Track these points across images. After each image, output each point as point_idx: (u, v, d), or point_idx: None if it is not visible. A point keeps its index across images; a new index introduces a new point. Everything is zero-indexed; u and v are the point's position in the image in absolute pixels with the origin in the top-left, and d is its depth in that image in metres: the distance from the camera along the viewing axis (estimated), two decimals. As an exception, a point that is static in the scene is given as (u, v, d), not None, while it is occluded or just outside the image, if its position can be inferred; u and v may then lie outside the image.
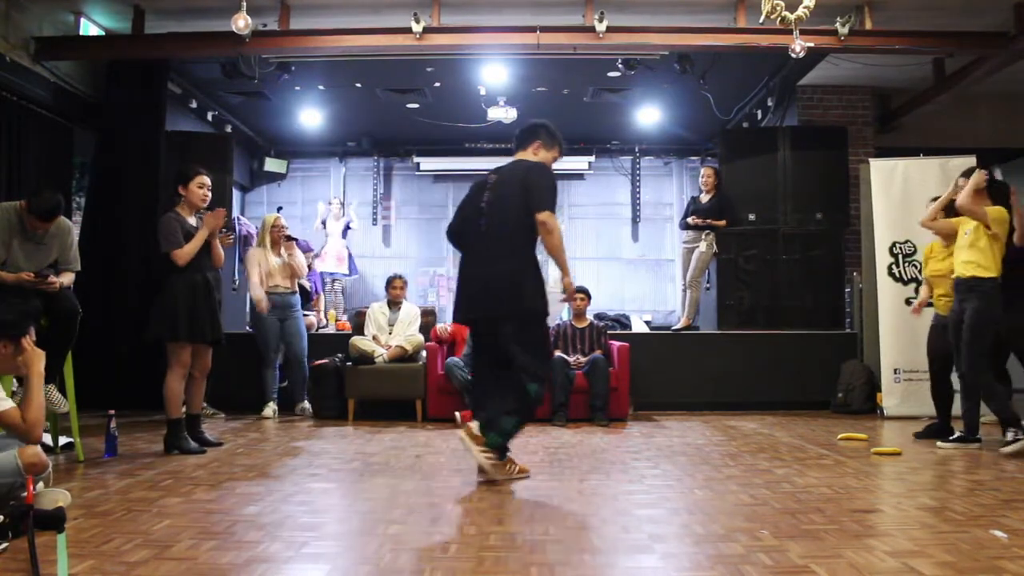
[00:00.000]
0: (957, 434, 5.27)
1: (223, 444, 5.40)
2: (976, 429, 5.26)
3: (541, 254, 4.33)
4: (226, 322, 5.67)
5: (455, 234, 4.54)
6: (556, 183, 4.28)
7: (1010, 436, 5.13)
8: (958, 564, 2.70)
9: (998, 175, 6.07)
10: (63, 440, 5.04)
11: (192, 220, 5.22)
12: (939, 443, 5.27)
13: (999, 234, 5.22)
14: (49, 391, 4.60)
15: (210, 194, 5.32)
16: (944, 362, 5.72)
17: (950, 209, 5.59)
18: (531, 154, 4.42)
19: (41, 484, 3.35)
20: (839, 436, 5.77)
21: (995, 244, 5.22)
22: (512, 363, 4.17)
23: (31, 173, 6.67)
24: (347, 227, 10.61)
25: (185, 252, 5.06)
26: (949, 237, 5.61)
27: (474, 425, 4.18)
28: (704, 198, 8.35)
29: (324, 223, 10.51)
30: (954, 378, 5.65)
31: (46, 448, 4.64)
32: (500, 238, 4.25)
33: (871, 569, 2.65)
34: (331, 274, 10.24)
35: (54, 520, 2.98)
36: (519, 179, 4.27)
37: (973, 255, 5.24)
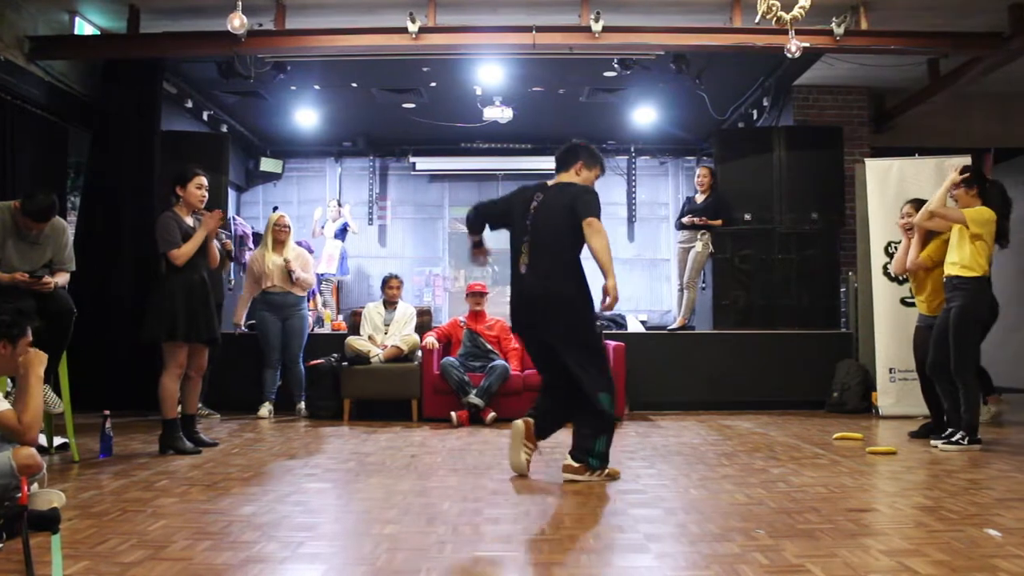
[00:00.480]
0: (958, 436, 5.28)
1: (218, 444, 5.40)
2: (975, 430, 5.27)
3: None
4: (223, 322, 5.67)
5: (479, 219, 4.64)
6: (598, 199, 4.35)
7: (958, 437, 5.22)
8: (953, 563, 2.70)
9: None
10: (58, 440, 5.03)
11: (190, 220, 5.22)
12: (940, 444, 5.27)
13: (982, 234, 5.22)
14: (44, 391, 4.59)
15: (207, 195, 5.34)
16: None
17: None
18: (574, 175, 4.45)
19: (35, 485, 3.34)
20: (834, 436, 5.77)
21: (978, 244, 5.22)
22: (576, 381, 4.23)
23: (26, 173, 6.65)
24: (344, 228, 10.60)
25: (183, 252, 5.06)
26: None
27: (568, 460, 4.25)
28: (700, 198, 8.35)
29: (324, 227, 10.51)
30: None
31: (40, 449, 4.62)
32: (554, 256, 4.30)
33: (866, 568, 2.65)
34: (320, 275, 10.23)
35: (48, 521, 2.97)
36: (567, 203, 4.29)
37: (957, 255, 5.27)
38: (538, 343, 4.43)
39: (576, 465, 4.19)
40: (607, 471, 4.26)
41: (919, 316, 5.94)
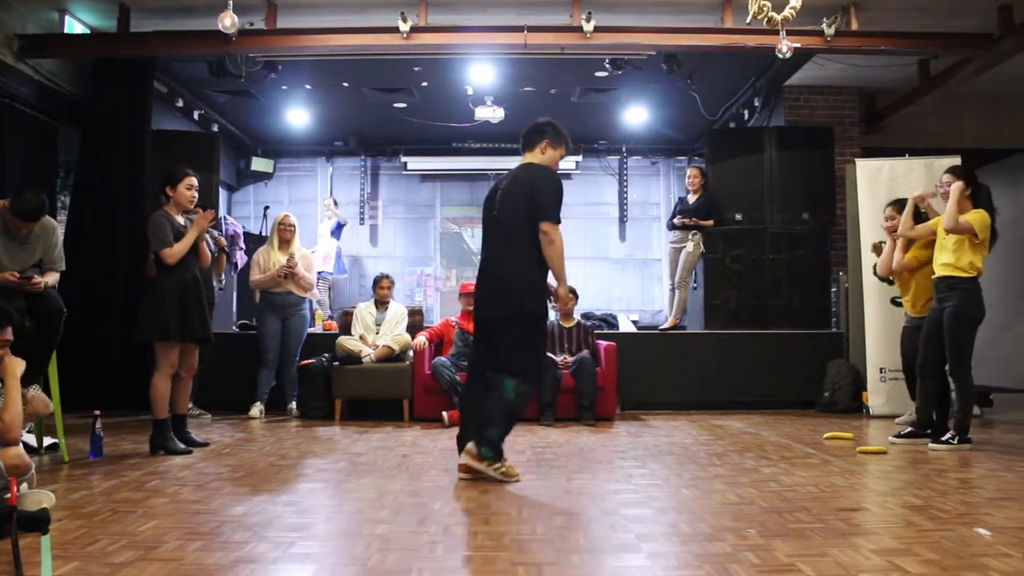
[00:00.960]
0: (949, 435, 5.30)
1: (209, 444, 5.38)
2: (967, 430, 5.29)
3: None
4: (214, 322, 5.65)
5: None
6: (562, 190, 4.30)
7: (948, 436, 5.26)
8: (943, 562, 2.71)
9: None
10: (47, 441, 5.00)
11: (180, 219, 5.21)
12: (930, 444, 5.29)
13: (985, 240, 5.26)
14: (34, 392, 4.57)
15: (197, 195, 5.33)
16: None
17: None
18: (539, 153, 4.43)
19: (25, 485, 3.33)
20: (825, 435, 5.79)
21: (978, 248, 5.26)
22: (498, 361, 4.19)
23: (15, 172, 6.62)
24: (339, 226, 10.59)
25: (175, 252, 5.05)
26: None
27: (471, 447, 4.19)
28: (691, 198, 8.37)
29: (320, 225, 10.51)
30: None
31: (30, 449, 4.62)
32: (508, 241, 4.30)
33: (857, 567, 2.66)
34: (318, 273, 10.20)
35: (38, 521, 2.96)
36: (527, 184, 4.29)
37: (953, 257, 5.29)
38: (485, 332, 4.40)
39: (474, 451, 4.15)
40: (503, 467, 4.17)
41: (907, 317, 5.99)
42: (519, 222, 4.26)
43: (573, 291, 7.35)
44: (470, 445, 4.19)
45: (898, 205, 5.91)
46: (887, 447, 5.31)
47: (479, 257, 4.54)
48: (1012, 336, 8.41)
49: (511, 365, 4.18)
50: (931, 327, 5.43)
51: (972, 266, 5.25)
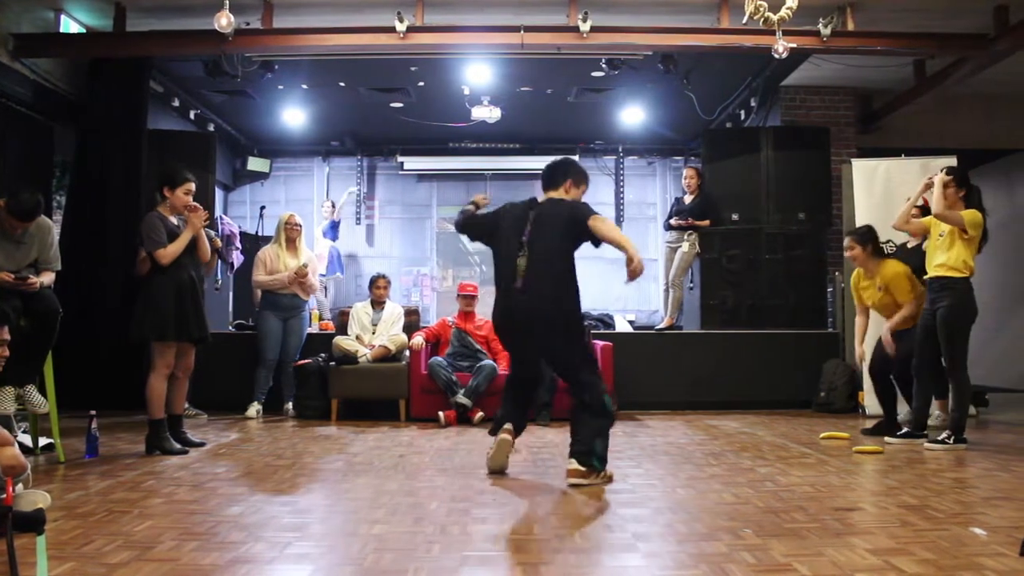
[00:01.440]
0: (943, 435, 5.30)
1: (205, 444, 5.37)
2: (962, 430, 5.30)
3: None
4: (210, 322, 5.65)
5: (466, 228, 4.74)
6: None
7: (944, 436, 5.27)
8: (938, 561, 2.72)
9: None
10: (43, 441, 5.00)
11: (174, 220, 5.21)
12: (926, 444, 5.30)
13: (975, 237, 5.27)
14: (29, 392, 4.57)
15: (193, 201, 5.32)
16: (884, 365, 5.93)
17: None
18: (563, 192, 4.49)
19: (20, 486, 3.32)
20: (821, 435, 5.79)
21: (969, 246, 5.27)
22: (579, 384, 4.30)
23: (11, 172, 6.61)
24: (332, 225, 10.57)
25: (168, 252, 5.05)
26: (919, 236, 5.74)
27: (573, 464, 4.20)
28: (687, 199, 8.38)
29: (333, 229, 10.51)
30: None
31: (25, 449, 4.60)
32: (548, 272, 4.32)
33: (853, 567, 2.67)
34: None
35: (33, 522, 2.95)
36: (564, 218, 4.34)
37: (946, 257, 5.31)
38: (529, 348, 4.47)
39: (582, 469, 4.16)
40: (605, 473, 4.25)
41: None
42: (562, 253, 4.34)
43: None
44: (574, 465, 4.17)
45: (856, 235, 5.98)
46: (883, 447, 5.31)
47: (495, 274, 4.55)
48: (1007, 336, 8.43)
49: (601, 385, 4.31)
50: (925, 329, 5.45)
51: (966, 265, 5.26)
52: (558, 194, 4.49)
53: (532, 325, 4.33)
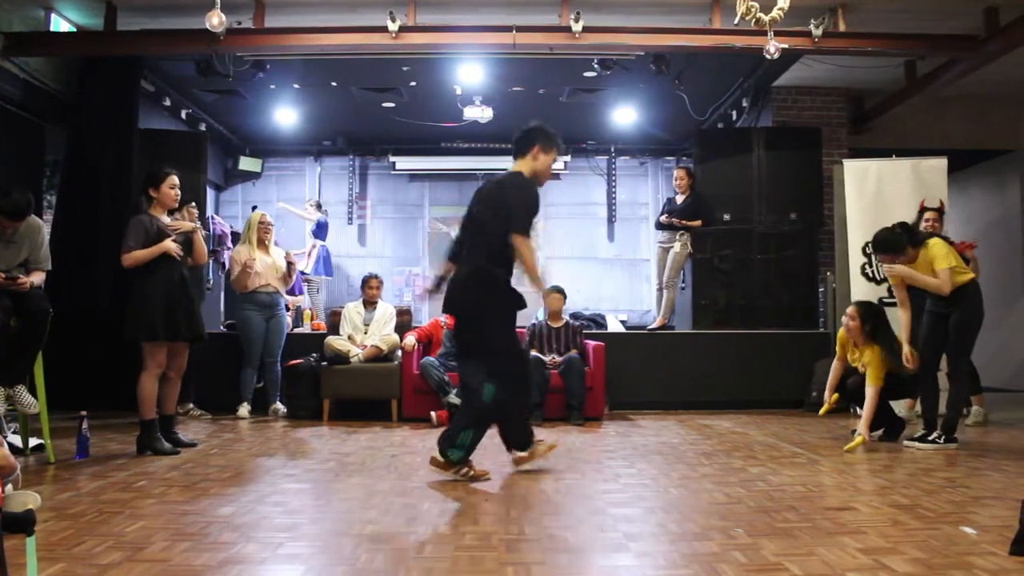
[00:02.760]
0: (935, 435, 5.32)
1: (197, 444, 5.36)
2: (954, 430, 5.31)
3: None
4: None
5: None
6: (536, 204, 4.31)
7: (933, 436, 5.28)
8: (929, 560, 2.73)
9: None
10: (33, 442, 4.97)
11: (166, 219, 5.23)
12: (918, 445, 5.31)
13: (955, 265, 5.25)
14: (19, 392, 4.55)
15: (180, 193, 5.35)
16: (858, 389, 5.82)
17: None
18: (531, 160, 4.43)
19: (10, 486, 3.30)
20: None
21: (947, 261, 5.25)
22: (476, 362, 4.26)
23: (1, 171, 6.58)
24: (319, 225, 10.53)
25: (133, 256, 5.05)
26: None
27: (434, 452, 4.24)
28: (679, 199, 8.40)
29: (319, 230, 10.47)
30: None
31: (15, 450, 4.59)
32: (476, 244, 4.32)
33: (844, 566, 2.67)
34: (301, 273, 10.18)
35: (23, 523, 2.92)
36: (506, 193, 4.32)
37: (941, 277, 5.28)
38: (459, 324, 4.48)
39: (440, 460, 4.18)
40: (471, 471, 4.21)
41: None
42: (489, 225, 4.28)
43: (562, 291, 7.36)
44: (435, 454, 4.22)
45: (862, 307, 5.81)
46: (864, 436, 5.30)
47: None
48: (998, 336, 8.46)
49: (485, 367, 4.22)
50: (930, 330, 5.44)
51: (962, 271, 5.28)
52: (525, 163, 4.42)
53: (456, 297, 4.34)
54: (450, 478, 4.18)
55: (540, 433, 6.01)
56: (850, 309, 5.88)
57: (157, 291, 5.05)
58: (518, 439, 4.47)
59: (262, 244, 7.11)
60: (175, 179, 5.28)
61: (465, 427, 4.21)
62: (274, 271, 7.05)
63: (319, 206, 10.87)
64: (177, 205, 5.31)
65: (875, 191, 7.30)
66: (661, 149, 12.03)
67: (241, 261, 6.99)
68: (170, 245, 5.13)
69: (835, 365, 5.95)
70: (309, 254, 10.24)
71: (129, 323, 5.06)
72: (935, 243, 5.41)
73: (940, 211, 6.67)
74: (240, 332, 7.02)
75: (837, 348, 5.98)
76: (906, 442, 5.44)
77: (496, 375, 4.25)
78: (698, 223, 8.13)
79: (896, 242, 5.37)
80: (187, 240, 5.33)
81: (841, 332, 5.93)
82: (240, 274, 6.92)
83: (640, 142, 11.71)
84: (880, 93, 8.78)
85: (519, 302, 4.36)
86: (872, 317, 5.68)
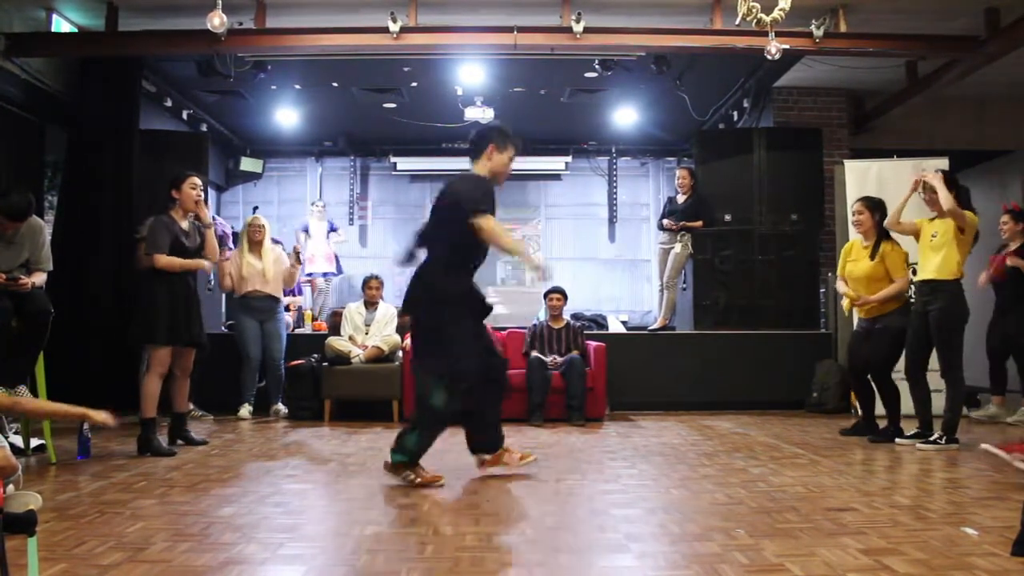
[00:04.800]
0: (936, 435, 5.33)
1: (208, 443, 5.42)
2: (955, 430, 5.31)
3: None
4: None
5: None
6: (488, 188, 4.21)
7: (935, 437, 5.29)
8: (930, 561, 2.73)
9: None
10: (35, 442, 4.98)
11: (184, 224, 5.31)
12: (918, 444, 5.32)
13: (968, 239, 5.30)
14: (21, 393, 4.55)
15: (202, 194, 5.44)
16: (865, 366, 5.89)
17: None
18: (485, 160, 4.30)
19: (11, 487, 3.31)
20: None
21: (962, 248, 5.30)
22: (429, 363, 4.18)
23: (2, 172, 6.58)
24: (331, 228, 10.55)
25: (165, 262, 5.15)
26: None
27: (387, 456, 4.21)
28: (680, 199, 8.40)
29: (307, 229, 10.44)
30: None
31: (16, 450, 4.59)
32: (434, 245, 4.26)
33: (845, 567, 2.67)
34: (323, 274, 10.22)
35: (25, 523, 2.92)
36: (454, 192, 4.23)
37: (939, 258, 5.33)
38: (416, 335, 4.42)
39: (389, 462, 4.12)
40: (420, 476, 4.08)
41: (856, 321, 6.01)
42: (440, 231, 4.21)
43: (563, 292, 7.36)
44: (387, 457, 4.18)
45: (867, 201, 5.94)
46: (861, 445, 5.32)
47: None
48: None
49: (436, 370, 4.11)
50: (916, 330, 5.46)
51: (958, 266, 5.31)
52: (481, 165, 4.30)
53: (408, 298, 4.29)
54: (400, 483, 4.05)
55: (541, 434, 6.05)
56: (856, 204, 5.98)
57: (163, 296, 5.11)
58: (483, 442, 4.38)
59: (256, 246, 7.10)
60: (196, 180, 5.37)
61: (411, 430, 4.10)
62: (263, 276, 7.02)
63: (324, 207, 10.89)
64: (197, 207, 5.37)
65: (876, 192, 7.24)
66: (662, 150, 12.04)
67: (230, 272, 7.04)
68: (204, 264, 5.39)
69: (839, 283, 6.07)
70: (330, 257, 10.30)
71: (133, 326, 5.16)
72: (894, 249, 5.72)
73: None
74: (236, 335, 7.03)
75: (839, 268, 6.10)
76: (898, 440, 5.46)
77: (448, 379, 4.09)
78: (699, 224, 8.12)
79: (878, 204, 5.77)
80: (199, 234, 5.42)
81: (845, 247, 6.10)
82: (222, 282, 7.08)
83: (641, 143, 11.71)
84: (881, 94, 8.78)
85: (480, 304, 4.29)
86: (881, 208, 5.85)
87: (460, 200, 4.11)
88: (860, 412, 6.12)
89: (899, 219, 5.74)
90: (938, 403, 5.54)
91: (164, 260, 5.14)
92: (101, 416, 3.30)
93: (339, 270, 10.54)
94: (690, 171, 8.53)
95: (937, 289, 5.32)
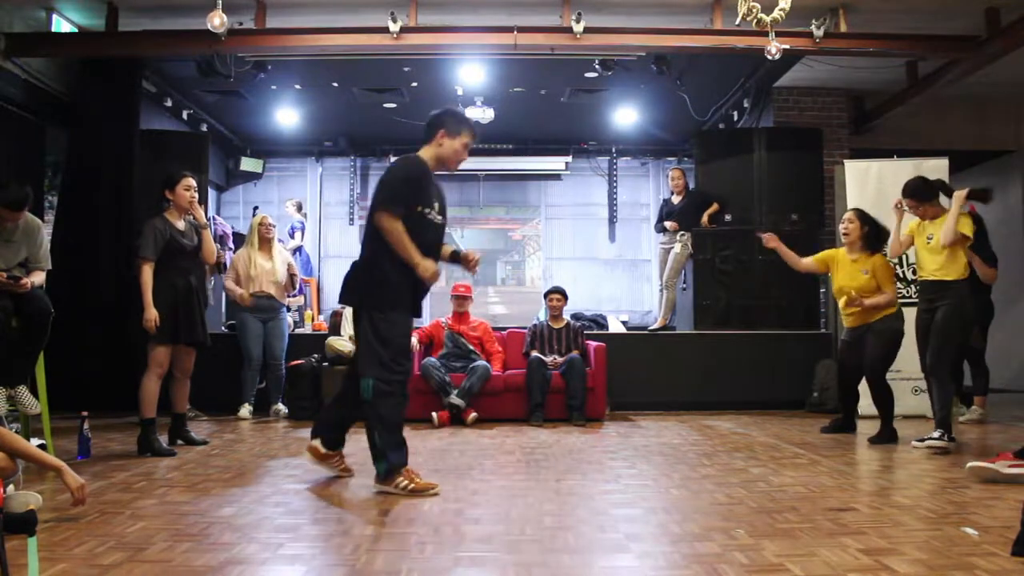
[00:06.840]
0: (933, 434, 5.32)
1: (208, 443, 5.42)
2: (949, 428, 5.31)
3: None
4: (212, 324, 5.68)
5: None
6: (408, 180, 4.06)
7: (936, 435, 5.25)
8: (930, 561, 2.73)
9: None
10: (35, 442, 4.94)
11: (180, 224, 5.30)
12: (914, 443, 5.32)
13: (968, 238, 5.31)
14: (21, 393, 4.55)
15: (197, 195, 5.41)
16: (856, 373, 5.89)
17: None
18: (436, 146, 4.17)
19: (11, 487, 3.31)
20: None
21: (963, 248, 5.31)
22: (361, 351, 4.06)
23: (1, 172, 6.58)
24: (293, 228, 10.49)
25: (145, 274, 5.10)
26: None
27: (317, 443, 4.26)
28: (676, 200, 8.41)
29: (292, 232, 10.43)
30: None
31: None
32: (367, 234, 4.19)
33: (845, 567, 2.67)
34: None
35: (25, 523, 2.93)
36: (379, 181, 4.17)
37: (941, 260, 5.33)
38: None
39: (378, 475, 4.00)
40: (413, 481, 3.92)
41: (845, 331, 6.01)
42: (370, 218, 4.12)
43: (563, 292, 7.37)
44: (315, 442, 4.24)
45: (860, 212, 5.99)
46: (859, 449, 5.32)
47: None
48: (997, 337, 8.43)
49: (368, 363, 3.98)
50: (924, 331, 5.45)
51: (965, 268, 5.32)
52: (430, 149, 4.17)
53: (344, 289, 4.21)
54: (394, 492, 3.92)
55: (541, 434, 6.05)
56: (848, 213, 5.99)
57: (163, 295, 5.11)
58: (328, 433, 4.32)
59: (265, 245, 7.12)
60: (191, 181, 5.35)
61: (375, 431, 4.03)
62: (270, 277, 7.02)
63: (300, 207, 10.86)
64: (191, 207, 5.34)
65: (876, 192, 7.29)
66: (662, 150, 12.05)
67: (237, 265, 7.02)
68: (202, 220, 5.38)
69: (804, 260, 6.17)
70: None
71: (135, 324, 5.14)
72: (884, 263, 5.75)
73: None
74: (238, 334, 7.02)
75: (816, 261, 6.18)
76: (915, 443, 5.40)
77: (371, 369, 3.97)
78: (704, 221, 8.14)
79: (927, 189, 5.57)
80: (197, 234, 5.40)
81: (830, 251, 6.14)
82: (230, 290, 7.01)
83: (641, 143, 11.72)
84: (881, 94, 8.78)
85: (410, 304, 4.17)
86: (870, 222, 5.86)
87: (379, 188, 4.05)
88: (840, 411, 6.18)
89: (900, 249, 5.75)
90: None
91: (141, 270, 5.10)
92: (75, 483, 3.25)
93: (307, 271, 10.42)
94: (683, 171, 8.56)
95: (946, 289, 5.32)
